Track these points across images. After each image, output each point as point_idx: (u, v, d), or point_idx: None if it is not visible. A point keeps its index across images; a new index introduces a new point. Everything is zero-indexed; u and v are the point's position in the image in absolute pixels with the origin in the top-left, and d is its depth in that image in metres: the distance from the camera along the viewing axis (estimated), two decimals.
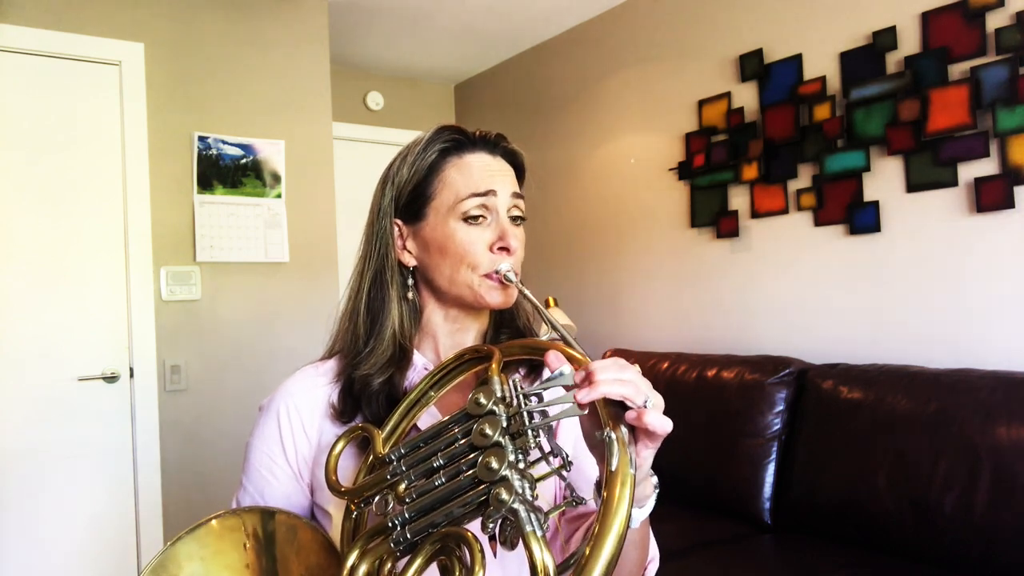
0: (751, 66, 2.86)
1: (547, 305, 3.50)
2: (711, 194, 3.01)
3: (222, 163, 2.98)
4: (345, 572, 0.68)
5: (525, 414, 0.66)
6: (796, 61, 2.71)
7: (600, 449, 0.68)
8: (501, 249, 0.87)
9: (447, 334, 0.94)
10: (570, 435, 0.93)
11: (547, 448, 0.67)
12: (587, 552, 0.58)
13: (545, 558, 0.59)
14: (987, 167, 2.21)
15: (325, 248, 3.23)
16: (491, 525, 0.62)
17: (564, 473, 0.67)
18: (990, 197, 2.19)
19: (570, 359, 0.70)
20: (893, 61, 2.43)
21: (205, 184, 2.95)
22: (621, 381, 0.65)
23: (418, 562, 0.66)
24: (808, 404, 2.37)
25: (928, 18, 2.33)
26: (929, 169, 2.33)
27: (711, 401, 2.59)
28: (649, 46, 3.32)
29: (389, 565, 0.69)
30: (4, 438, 2.58)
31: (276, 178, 3.10)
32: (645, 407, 0.64)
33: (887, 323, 2.46)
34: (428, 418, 0.87)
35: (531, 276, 0.96)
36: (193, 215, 2.92)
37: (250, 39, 3.10)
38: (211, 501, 2.83)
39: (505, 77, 4.21)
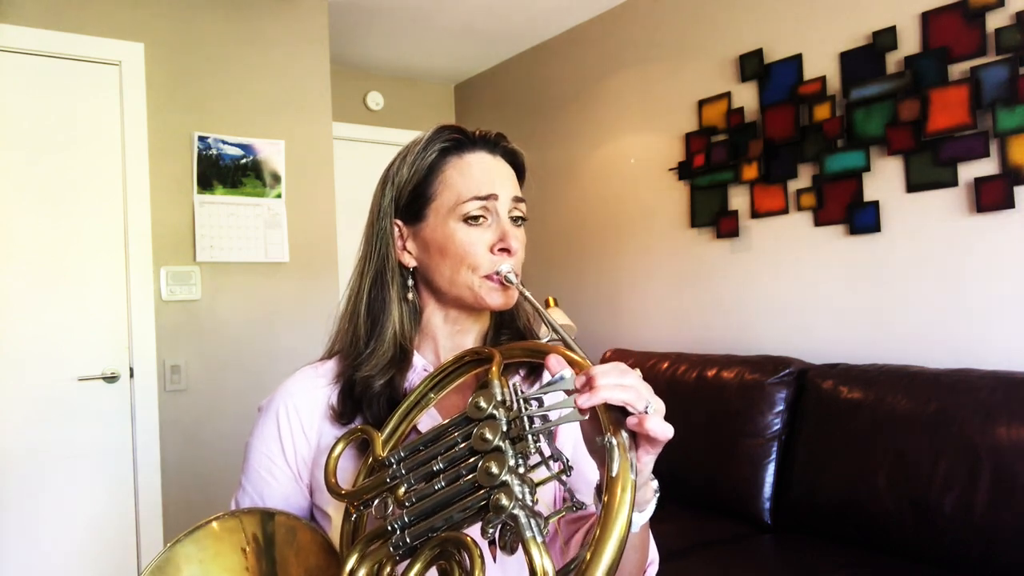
0: (751, 66, 2.86)
1: (547, 305, 3.50)
2: (711, 194, 3.01)
3: (222, 163, 2.98)
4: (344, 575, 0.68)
5: (525, 418, 0.66)
6: (796, 61, 2.71)
7: (600, 454, 0.68)
8: (502, 250, 0.87)
9: (447, 335, 0.94)
10: (570, 437, 0.93)
11: (547, 452, 0.66)
12: (588, 557, 0.58)
13: (545, 563, 0.59)
14: (987, 167, 2.21)
15: (325, 248, 3.23)
16: (491, 530, 0.62)
17: (564, 478, 0.67)
18: (990, 197, 2.19)
19: (571, 363, 0.69)
20: (893, 61, 2.43)
21: (205, 184, 2.95)
22: (622, 386, 0.64)
23: (418, 566, 0.65)
24: (808, 404, 2.37)
25: (928, 18, 2.33)
26: (929, 169, 2.33)
27: (711, 401, 2.59)
28: (649, 46, 3.32)
29: (388, 569, 0.69)
30: (4, 438, 2.58)
31: (276, 178, 3.10)
32: (646, 412, 0.64)
33: (887, 323, 2.46)
34: (428, 420, 0.87)
35: (531, 276, 0.95)
36: (193, 215, 2.92)
37: (250, 39, 3.10)
38: (211, 501, 2.83)
39: (505, 77, 4.21)
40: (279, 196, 3.11)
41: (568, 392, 0.66)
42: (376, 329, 0.90)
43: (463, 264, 0.87)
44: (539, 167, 3.76)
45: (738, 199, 2.93)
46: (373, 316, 0.91)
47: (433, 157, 0.90)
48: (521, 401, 0.67)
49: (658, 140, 3.28)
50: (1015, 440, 1.85)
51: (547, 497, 0.91)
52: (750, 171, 2.84)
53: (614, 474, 0.61)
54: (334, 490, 0.77)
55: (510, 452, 0.64)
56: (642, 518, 0.73)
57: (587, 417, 0.66)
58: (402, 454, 0.72)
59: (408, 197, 0.91)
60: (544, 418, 0.66)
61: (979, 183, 2.21)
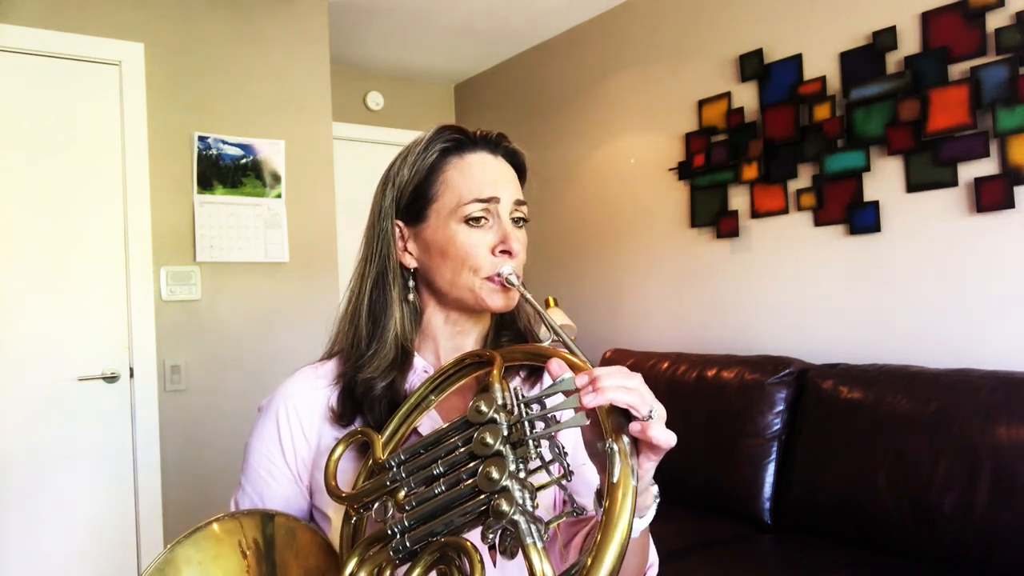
0: (751, 66, 2.86)
1: (546, 305, 3.50)
2: (711, 194, 3.01)
3: (222, 163, 2.98)
4: None
5: (526, 423, 0.65)
6: (796, 61, 2.71)
7: (601, 458, 0.67)
8: (503, 252, 0.87)
9: (447, 337, 0.93)
10: (569, 439, 0.93)
11: (548, 457, 0.66)
12: (588, 563, 0.58)
13: (545, 569, 0.59)
14: (987, 167, 2.21)
15: (325, 248, 3.23)
16: (491, 535, 0.62)
17: (564, 482, 0.66)
18: (990, 197, 2.19)
19: (572, 367, 0.69)
20: (893, 61, 2.43)
21: (205, 184, 2.95)
22: (626, 389, 0.64)
23: (417, 571, 0.65)
24: (808, 404, 2.37)
25: (928, 18, 2.33)
26: (929, 169, 2.33)
27: (711, 401, 2.59)
28: (649, 46, 3.31)
29: (388, 573, 0.69)
30: (4, 438, 2.58)
31: (276, 178, 3.10)
32: (650, 417, 0.64)
33: (887, 323, 2.46)
34: (428, 422, 0.87)
35: (531, 276, 0.95)
36: (193, 215, 2.92)
37: (250, 39, 3.10)
38: (211, 501, 2.83)
39: (505, 77, 4.21)
40: (279, 196, 3.11)
41: (568, 394, 0.66)
42: (378, 330, 0.90)
43: (464, 266, 0.87)
44: (539, 167, 3.74)
45: (738, 199, 2.93)
46: (374, 317, 0.90)
47: (434, 158, 0.89)
48: (522, 405, 0.67)
49: (658, 140, 3.28)
50: (1015, 440, 1.85)
51: (547, 500, 0.90)
52: (750, 171, 2.83)
53: (615, 480, 0.61)
54: (334, 493, 0.76)
55: (511, 457, 0.64)
56: (642, 523, 0.73)
57: (589, 422, 0.66)
58: (402, 457, 0.72)
59: (409, 198, 0.90)
60: (545, 422, 0.65)
61: (979, 183, 2.21)
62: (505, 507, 0.61)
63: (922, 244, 2.37)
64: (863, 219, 2.50)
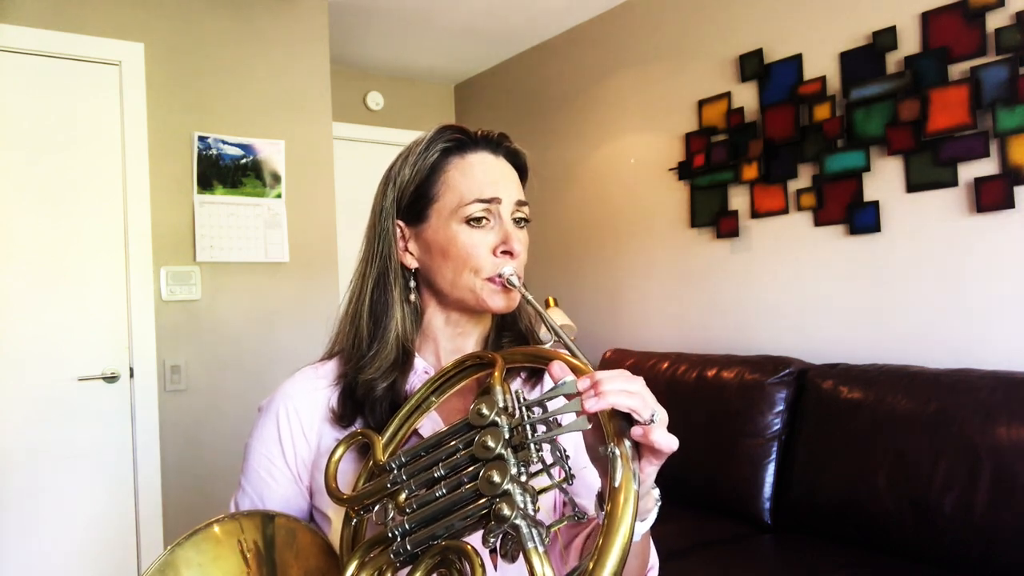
0: (751, 66, 2.86)
1: (546, 305, 3.50)
2: (711, 194, 3.01)
3: (222, 163, 2.98)
4: None
5: (528, 426, 0.65)
6: (796, 61, 2.71)
7: (602, 462, 0.67)
8: (504, 253, 0.86)
9: (448, 338, 0.93)
10: (570, 442, 0.92)
11: (549, 460, 0.66)
12: (590, 567, 0.58)
13: (547, 573, 0.59)
14: (987, 167, 2.21)
15: (325, 248, 3.23)
16: (492, 539, 0.62)
17: (565, 486, 0.66)
18: (990, 197, 2.19)
19: (573, 369, 0.69)
20: (893, 61, 2.43)
21: (205, 184, 2.95)
22: (628, 392, 0.64)
23: (418, 574, 0.65)
24: (808, 404, 2.37)
25: (928, 18, 2.33)
26: (929, 169, 2.33)
27: (711, 401, 2.59)
28: (649, 46, 3.31)
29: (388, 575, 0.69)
30: (4, 438, 2.58)
31: (276, 178, 3.10)
32: (652, 421, 0.63)
33: (887, 323, 2.46)
34: (429, 424, 0.87)
35: (531, 276, 0.95)
36: (193, 215, 2.92)
37: (250, 39, 3.10)
38: (211, 501, 2.83)
39: (505, 77, 4.20)
40: (279, 196, 3.11)
41: (570, 397, 0.65)
42: (379, 331, 0.89)
43: (465, 266, 0.86)
44: (539, 167, 3.74)
45: (738, 199, 2.93)
46: (375, 317, 0.90)
47: (435, 157, 0.89)
48: (524, 408, 0.67)
49: (658, 140, 3.27)
50: (1015, 440, 1.85)
51: (547, 503, 0.90)
52: (750, 171, 2.83)
53: (617, 484, 0.61)
54: (335, 494, 0.76)
55: (512, 460, 0.64)
56: (644, 527, 0.73)
57: (591, 426, 0.65)
58: (403, 459, 0.72)
59: (410, 198, 0.90)
60: (547, 426, 0.65)
61: (979, 183, 2.21)
62: (507, 511, 0.61)
63: (922, 244, 2.37)
64: (863, 219, 2.50)
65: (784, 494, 2.35)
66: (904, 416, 2.07)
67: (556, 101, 3.84)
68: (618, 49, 3.47)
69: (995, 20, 2.19)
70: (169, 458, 2.84)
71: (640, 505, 0.67)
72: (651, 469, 0.67)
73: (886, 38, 2.43)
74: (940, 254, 2.33)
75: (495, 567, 0.64)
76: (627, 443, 0.64)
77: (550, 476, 0.66)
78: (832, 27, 2.61)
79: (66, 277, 2.70)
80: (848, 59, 2.54)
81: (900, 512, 2.01)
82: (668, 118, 3.22)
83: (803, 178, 2.69)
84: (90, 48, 2.75)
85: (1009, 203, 2.15)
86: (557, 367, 0.68)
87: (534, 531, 0.60)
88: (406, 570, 0.67)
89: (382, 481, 0.72)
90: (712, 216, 3.01)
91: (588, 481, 0.89)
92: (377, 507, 0.71)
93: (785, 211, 2.75)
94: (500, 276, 0.86)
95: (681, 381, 2.73)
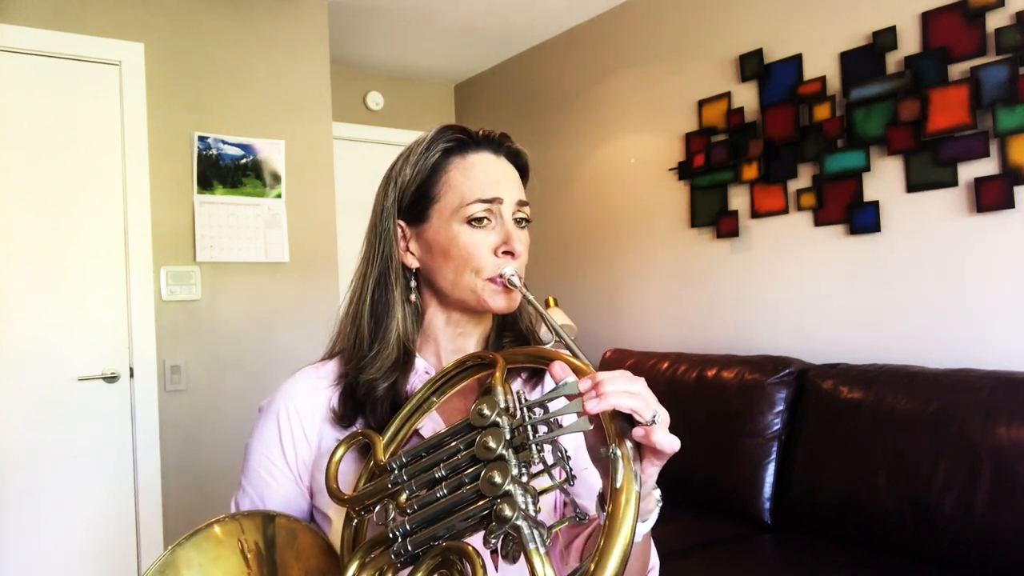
0: (751, 66, 2.86)
1: (546, 305, 3.50)
2: (711, 194, 3.01)
3: (222, 163, 2.98)
4: None
5: (529, 427, 0.65)
6: (796, 61, 2.71)
7: (604, 463, 0.67)
8: (505, 253, 0.86)
9: (449, 338, 0.93)
10: (571, 442, 0.92)
11: (550, 461, 0.66)
12: (591, 568, 0.58)
13: (548, 573, 0.59)
14: (987, 167, 2.21)
15: (325, 248, 3.23)
16: (493, 540, 0.62)
17: (566, 487, 0.66)
18: (990, 197, 2.19)
19: (575, 370, 0.68)
20: (893, 61, 2.43)
21: (205, 184, 2.95)
22: (630, 393, 0.63)
23: (419, 575, 0.65)
24: (808, 404, 2.37)
25: (928, 18, 2.33)
26: (929, 169, 2.33)
27: (711, 401, 2.59)
28: (649, 46, 3.31)
29: None
30: (4, 438, 2.58)
31: (276, 178, 3.10)
32: (654, 422, 0.63)
33: (887, 323, 2.46)
34: (430, 424, 0.87)
35: (531, 276, 0.95)
36: (193, 215, 2.92)
37: (250, 39, 3.10)
38: (211, 501, 2.83)
39: (505, 77, 4.20)
40: (279, 196, 3.11)
41: (571, 398, 0.65)
42: (380, 331, 0.89)
43: (467, 267, 0.86)
44: (539, 167, 3.73)
45: (738, 199, 2.93)
46: (376, 317, 0.90)
47: (436, 157, 0.89)
48: (525, 409, 0.66)
49: (658, 140, 3.27)
50: (1015, 440, 1.85)
51: (547, 503, 0.90)
52: (750, 171, 2.83)
53: (618, 485, 0.61)
54: (335, 495, 0.76)
55: (513, 461, 0.64)
56: (644, 528, 0.73)
57: (592, 427, 0.65)
58: (404, 460, 0.72)
59: (411, 198, 0.90)
60: (548, 426, 0.65)
61: (979, 183, 2.21)
62: (508, 512, 0.61)
63: (922, 244, 2.37)
64: (863, 219, 2.50)
65: (784, 494, 2.35)
66: (904, 416, 2.07)
67: (556, 101, 3.84)
68: (618, 49, 3.47)
69: (995, 20, 2.19)
70: (169, 458, 2.84)
71: (641, 506, 0.67)
72: (652, 470, 0.67)
73: (886, 38, 2.43)
74: (940, 254, 2.33)
75: (496, 568, 0.64)
76: (628, 444, 0.64)
77: (551, 477, 0.66)
78: (832, 27, 2.61)
79: (66, 277, 2.70)
80: (848, 59, 2.54)
81: (900, 512, 2.01)
82: (668, 118, 3.22)
83: (803, 178, 2.69)
84: (90, 48, 2.75)
85: (1009, 203, 2.15)
86: (558, 367, 0.68)
87: (535, 532, 0.60)
88: (407, 571, 0.67)
89: (383, 481, 0.72)
90: (712, 216, 3.01)
91: (589, 482, 0.89)
92: (378, 507, 0.71)
93: (785, 211, 2.75)
94: (501, 276, 0.86)
95: (681, 381, 2.73)
